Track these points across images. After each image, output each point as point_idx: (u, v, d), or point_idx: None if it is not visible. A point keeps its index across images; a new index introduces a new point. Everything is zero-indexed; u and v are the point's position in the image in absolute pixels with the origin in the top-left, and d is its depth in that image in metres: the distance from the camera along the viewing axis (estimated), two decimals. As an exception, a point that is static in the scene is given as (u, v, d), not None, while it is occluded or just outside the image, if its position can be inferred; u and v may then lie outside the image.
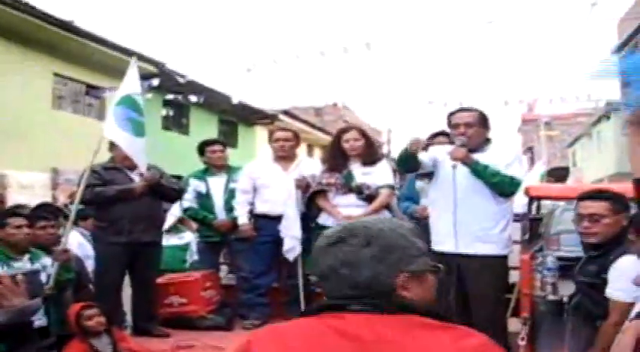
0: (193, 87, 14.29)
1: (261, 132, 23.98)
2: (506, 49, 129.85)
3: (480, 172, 4.21)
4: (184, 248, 7.05)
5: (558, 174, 9.67)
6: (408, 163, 4.37)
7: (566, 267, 4.21)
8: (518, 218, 5.18)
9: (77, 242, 5.44)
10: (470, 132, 4.28)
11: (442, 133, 5.32)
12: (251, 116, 22.04)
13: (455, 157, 4.20)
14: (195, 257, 6.83)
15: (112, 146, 5.08)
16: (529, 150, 39.50)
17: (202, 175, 6.08)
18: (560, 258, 4.90)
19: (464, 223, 4.22)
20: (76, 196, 4.93)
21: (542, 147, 16.35)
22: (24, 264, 4.15)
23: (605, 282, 3.17)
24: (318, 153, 29.15)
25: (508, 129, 46.95)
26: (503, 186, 4.24)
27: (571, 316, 3.56)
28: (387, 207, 5.13)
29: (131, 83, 5.11)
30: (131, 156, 5.04)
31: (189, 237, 7.12)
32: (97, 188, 4.95)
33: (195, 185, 6.02)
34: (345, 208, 4.97)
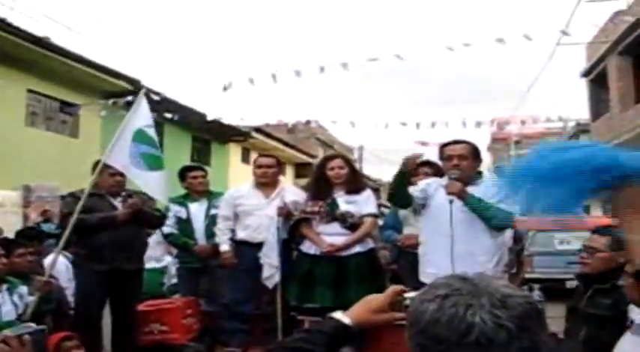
0: (168, 104, 14.22)
1: (234, 150, 23.93)
2: (478, 69, 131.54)
3: (475, 206, 4.16)
4: (162, 271, 7.00)
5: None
6: (399, 196, 4.36)
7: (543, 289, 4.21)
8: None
9: (65, 265, 5.41)
10: (463, 164, 4.25)
11: (426, 163, 5.31)
12: (224, 134, 21.97)
13: (451, 191, 4.13)
14: (174, 280, 6.79)
15: (101, 173, 4.97)
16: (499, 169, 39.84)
17: (183, 200, 6.04)
18: (534, 280, 4.91)
19: (461, 258, 4.12)
20: (48, 214, 4.85)
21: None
22: (3, 296, 4.06)
23: (624, 314, 3.11)
24: (289, 170, 29.17)
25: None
26: (497, 220, 4.21)
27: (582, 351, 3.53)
28: (369, 235, 5.14)
29: (141, 115, 5.02)
30: (148, 192, 5.05)
31: (167, 260, 7.07)
32: (80, 215, 4.83)
33: (175, 210, 5.97)
34: (328, 236, 4.95)
